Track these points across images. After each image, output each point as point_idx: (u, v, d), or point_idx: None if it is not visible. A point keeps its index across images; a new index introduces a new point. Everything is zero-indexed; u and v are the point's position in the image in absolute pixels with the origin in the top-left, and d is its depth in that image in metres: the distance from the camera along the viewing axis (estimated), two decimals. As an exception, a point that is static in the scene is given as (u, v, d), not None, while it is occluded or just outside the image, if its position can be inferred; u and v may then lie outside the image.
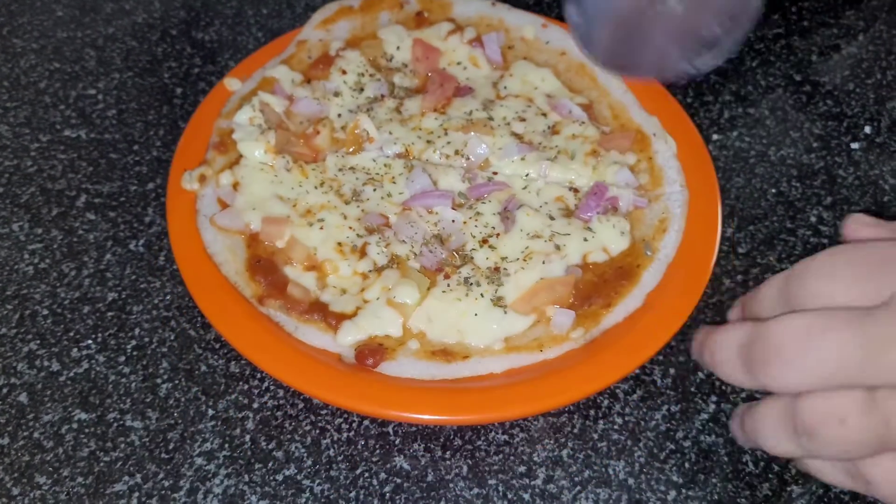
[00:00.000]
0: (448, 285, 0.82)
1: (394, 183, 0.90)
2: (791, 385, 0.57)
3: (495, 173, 0.91)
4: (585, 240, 0.84)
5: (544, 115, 0.95)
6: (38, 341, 0.82)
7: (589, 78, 0.99)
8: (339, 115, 0.96)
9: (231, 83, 0.97)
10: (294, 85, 0.98)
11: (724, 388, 0.80)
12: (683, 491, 0.74)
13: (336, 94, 0.97)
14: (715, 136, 1.03)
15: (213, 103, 0.95)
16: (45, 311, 0.85)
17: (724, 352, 0.62)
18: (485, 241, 0.85)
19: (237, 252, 0.83)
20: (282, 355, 0.75)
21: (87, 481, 0.73)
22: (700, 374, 0.81)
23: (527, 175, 0.90)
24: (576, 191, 0.89)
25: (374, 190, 0.89)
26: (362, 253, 0.84)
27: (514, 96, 0.97)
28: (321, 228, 0.85)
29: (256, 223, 0.85)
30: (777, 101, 1.08)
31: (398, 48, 1.02)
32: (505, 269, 0.83)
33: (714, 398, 0.80)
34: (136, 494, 0.73)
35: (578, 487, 0.74)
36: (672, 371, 0.82)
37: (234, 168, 0.89)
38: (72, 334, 0.83)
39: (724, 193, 0.97)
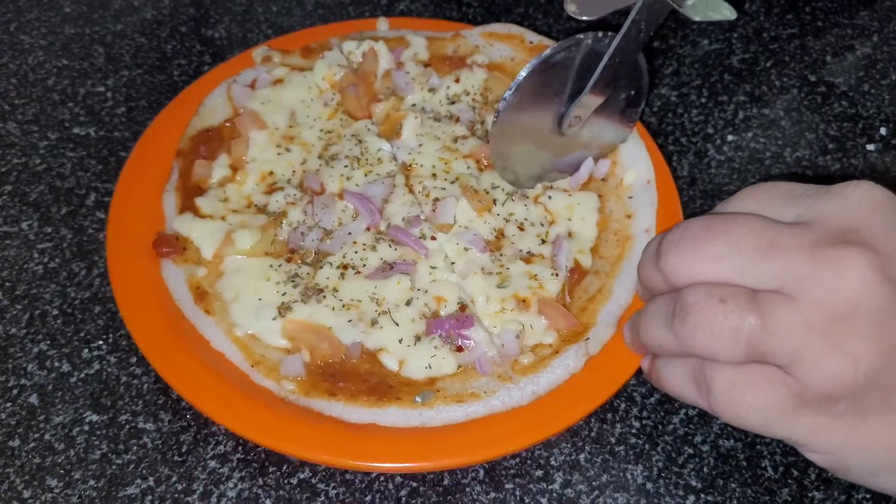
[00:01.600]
0: (280, 265, 0.82)
1: (366, 175, 0.90)
2: (685, 269, 0.62)
3: (433, 238, 0.84)
4: (400, 341, 0.77)
5: (542, 241, 0.86)
6: (49, 342, 0.81)
7: (618, 255, 0.84)
8: (413, 105, 0.97)
9: (381, 22, 1.05)
10: (413, 59, 1.00)
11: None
12: (702, 496, 0.73)
13: (431, 90, 0.98)
14: (730, 137, 1.02)
15: (367, 25, 1.06)
16: (56, 311, 0.84)
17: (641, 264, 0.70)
18: (345, 267, 0.82)
19: (212, 116, 0.94)
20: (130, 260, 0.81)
21: (99, 484, 0.72)
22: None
23: (452, 263, 0.83)
24: (463, 308, 0.80)
25: (346, 167, 0.90)
26: (271, 191, 0.89)
27: (546, 208, 0.89)
28: (278, 154, 0.92)
29: (246, 109, 0.94)
30: (792, 101, 1.07)
31: None
32: (324, 297, 0.79)
33: (732, 402, 0.79)
34: (149, 498, 0.72)
35: (596, 492, 0.73)
36: (690, 374, 0.81)
37: (293, 71, 0.99)
38: (82, 335, 0.82)
39: (739, 195, 0.96)
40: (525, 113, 0.83)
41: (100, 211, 0.92)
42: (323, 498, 0.72)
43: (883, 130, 1.04)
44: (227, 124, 0.94)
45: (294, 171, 0.91)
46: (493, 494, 0.73)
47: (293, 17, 1.16)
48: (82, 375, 0.79)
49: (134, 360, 0.80)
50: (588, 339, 0.77)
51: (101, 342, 0.82)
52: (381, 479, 0.73)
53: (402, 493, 0.73)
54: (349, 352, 0.76)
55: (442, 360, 0.76)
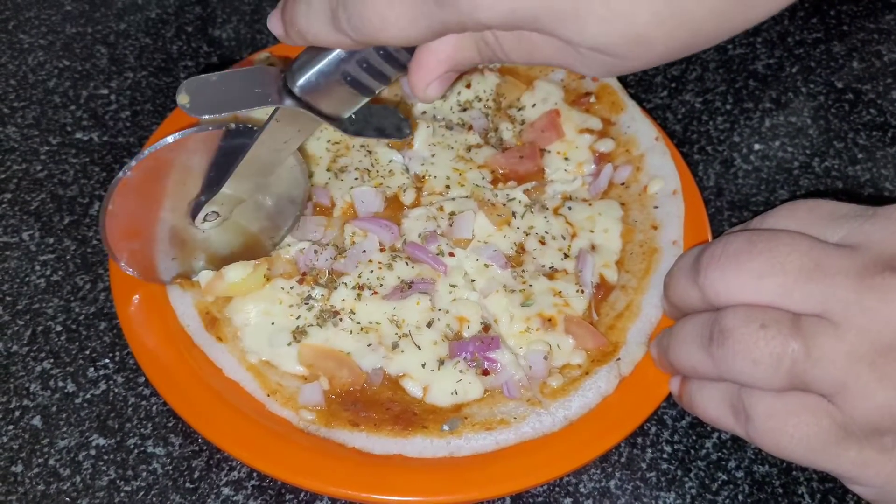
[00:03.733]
0: (291, 287, 0.78)
1: (377, 188, 0.86)
2: (724, 286, 0.59)
3: (451, 254, 0.81)
4: (423, 366, 0.73)
5: (565, 255, 0.82)
6: (52, 360, 0.78)
7: (645, 268, 0.80)
8: (424, 113, 0.94)
9: None
10: None
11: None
12: (739, 526, 0.70)
13: (441, 97, 0.93)
14: (757, 146, 0.99)
15: None
16: (59, 328, 0.80)
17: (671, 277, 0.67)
18: (361, 287, 0.78)
19: None
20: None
21: (106, 513, 0.69)
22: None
23: (472, 281, 0.80)
24: (486, 328, 0.76)
25: (356, 179, 0.86)
26: None
27: (566, 220, 0.85)
28: None
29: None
30: (819, 109, 1.04)
31: (534, 105, 0.93)
32: (341, 319, 0.76)
33: (768, 426, 0.76)
34: (160, 527, 0.68)
35: (628, 522, 0.70)
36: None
37: None
38: (88, 352, 0.78)
39: (768, 207, 0.93)
40: (152, 190, 0.72)
41: (104, 221, 0.88)
42: (343, 528, 0.69)
43: (913, 140, 1.01)
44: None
45: None
46: (520, 524, 0.70)
47: (303, 17, 1.12)
48: (88, 396, 0.76)
49: (142, 379, 0.77)
50: (619, 359, 0.74)
51: (107, 360, 0.78)
52: (404, 507, 0.70)
53: (426, 522, 0.70)
54: (370, 378, 0.73)
55: (468, 385, 0.72)
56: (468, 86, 0.95)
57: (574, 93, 0.94)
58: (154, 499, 0.70)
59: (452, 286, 0.79)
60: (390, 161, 0.88)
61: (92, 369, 0.77)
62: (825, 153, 0.99)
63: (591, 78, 0.95)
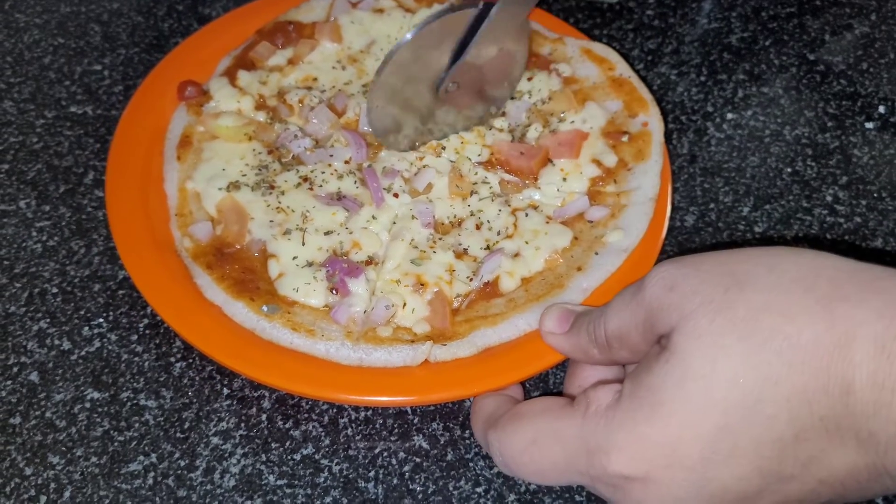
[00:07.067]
0: (260, 153, 0.88)
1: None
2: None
3: (396, 195, 0.85)
4: (294, 259, 0.79)
5: (487, 247, 0.82)
6: (49, 320, 0.81)
7: (540, 295, 0.78)
8: None
9: None
10: None
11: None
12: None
13: None
14: (729, 115, 1.02)
15: None
16: (55, 290, 0.83)
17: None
18: (306, 179, 0.86)
19: (308, 14, 1.01)
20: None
21: (101, 461, 0.72)
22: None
23: (394, 224, 0.83)
24: (369, 262, 0.80)
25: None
26: (281, 100, 0.94)
27: (514, 223, 0.84)
28: (332, 68, 0.97)
29: (335, 21, 1.00)
30: (791, 80, 1.07)
31: (572, 122, 0.92)
32: (271, 194, 0.84)
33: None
34: (152, 474, 0.72)
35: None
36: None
37: (398, 8, 1.02)
38: (82, 312, 0.82)
39: (739, 173, 0.96)
40: (415, 64, 0.85)
41: (98, 189, 0.91)
42: (326, 473, 0.72)
43: (881, 109, 1.04)
44: (314, 26, 1.00)
45: (334, 87, 0.95)
46: (497, 469, 0.73)
47: (291, -4, 1.14)
48: (83, 353, 0.79)
49: (135, 337, 0.80)
50: (444, 345, 0.74)
51: (101, 320, 0.81)
52: (385, 454, 0.74)
53: (406, 468, 0.73)
54: (250, 245, 0.81)
55: (311, 291, 0.77)
56: (530, 79, 0.95)
57: (615, 126, 0.91)
58: (146, 448, 0.73)
59: (373, 217, 0.83)
60: None
61: (87, 328, 0.81)
62: (796, 122, 1.02)
63: (643, 122, 0.91)
